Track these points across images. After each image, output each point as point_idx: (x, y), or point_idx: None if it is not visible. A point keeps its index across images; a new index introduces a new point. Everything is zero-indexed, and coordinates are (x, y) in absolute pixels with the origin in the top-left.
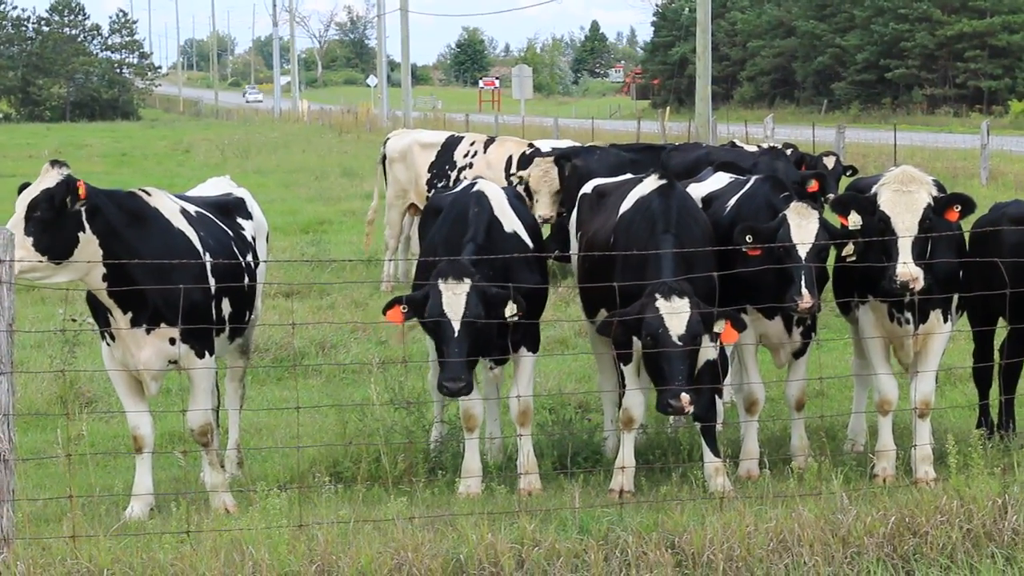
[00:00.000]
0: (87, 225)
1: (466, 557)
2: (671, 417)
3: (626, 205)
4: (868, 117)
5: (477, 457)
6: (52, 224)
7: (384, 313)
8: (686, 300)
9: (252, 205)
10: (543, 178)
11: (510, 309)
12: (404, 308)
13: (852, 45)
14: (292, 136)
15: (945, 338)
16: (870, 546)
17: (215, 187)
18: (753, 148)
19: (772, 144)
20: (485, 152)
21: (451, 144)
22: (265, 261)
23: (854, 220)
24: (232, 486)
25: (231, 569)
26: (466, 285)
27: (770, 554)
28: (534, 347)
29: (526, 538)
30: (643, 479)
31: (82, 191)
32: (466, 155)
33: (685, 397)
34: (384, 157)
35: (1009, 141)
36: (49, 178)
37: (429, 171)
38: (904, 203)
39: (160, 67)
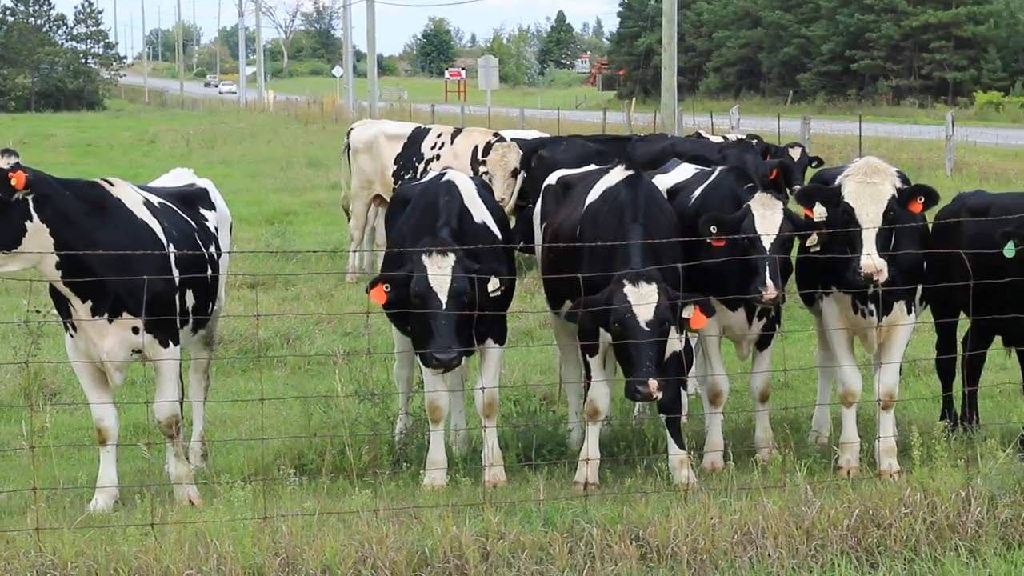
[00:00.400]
0: (35, 214)
1: (431, 549)
2: (635, 409)
3: (593, 196)
4: (833, 108)
5: (442, 449)
6: None
7: (367, 292)
8: (654, 286)
9: (215, 196)
10: (499, 162)
11: (493, 284)
12: (387, 287)
13: (818, 36)
14: (258, 127)
15: (909, 329)
16: (834, 538)
17: (177, 178)
18: (719, 139)
19: (739, 136)
20: (452, 143)
21: (418, 136)
22: (229, 252)
23: (819, 212)
24: (196, 478)
25: (195, 562)
26: (451, 259)
27: (734, 546)
28: (501, 339)
29: (491, 530)
30: (608, 471)
31: (17, 181)
32: (433, 147)
33: (653, 383)
34: (348, 147)
35: (974, 132)
36: None
37: (396, 163)
38: (868, 194)
39: (125, 57)
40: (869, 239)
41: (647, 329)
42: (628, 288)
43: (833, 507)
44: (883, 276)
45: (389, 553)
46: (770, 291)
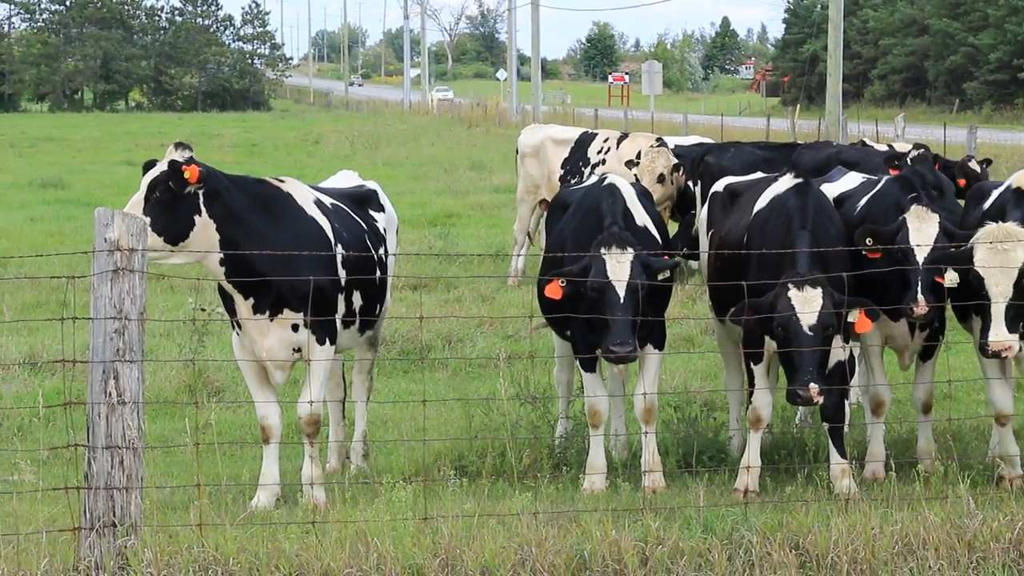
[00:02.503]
0: (204, 209)
1: (590, 553)
2: (797, 418)
3: (761, 204)
4: (1000, 117)
5: (602, 454)
6: (169, 206)
7: (542, 291)
8: (819, 291)
9: (383, 198)
10: (647, 167)
11: (663, 274)
12: (562, 282)
13: (985, 44)
14: (421, 129)
15: None
16: (996, 551)
17: (345, 180)
18: (883, 147)
19: (907, 144)
20: (618, 148)
21: (584, 140)
22: (394, 254)
23: (950, 278)
24: (357, 478)
25: (356, 560)
26: (630, 254)
27: (895, 557)
28: (660, 344)
29: (650, 536)
30: (768, 479)
31: (191, 175)
32: (599, 151)
33: (814, 387)
34: (516, 151)
35: None
36: (170, 159)
37: (562, 167)
38: (998, 262)
39: (291, 58)
40: (998, 315)
41: (810, 334)
42: (792, 292)
43: (996, 519)
44: (1012, 352)
45: (548, 556)
46: (921, 306)
